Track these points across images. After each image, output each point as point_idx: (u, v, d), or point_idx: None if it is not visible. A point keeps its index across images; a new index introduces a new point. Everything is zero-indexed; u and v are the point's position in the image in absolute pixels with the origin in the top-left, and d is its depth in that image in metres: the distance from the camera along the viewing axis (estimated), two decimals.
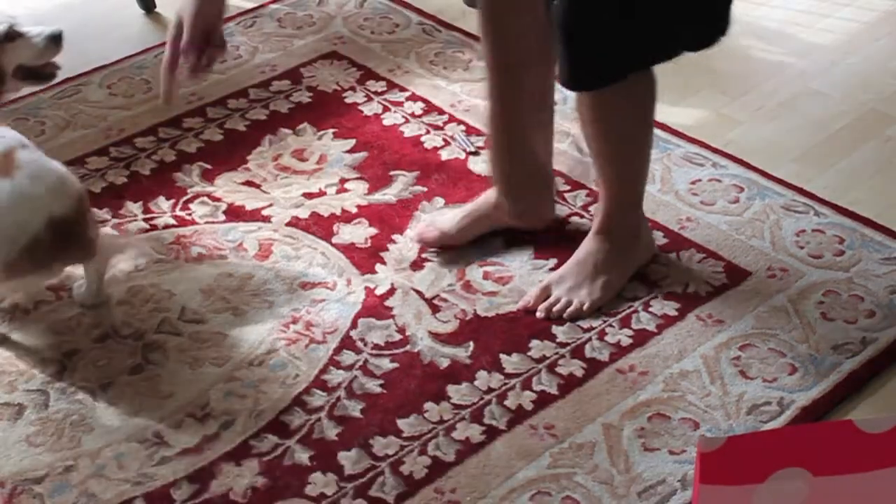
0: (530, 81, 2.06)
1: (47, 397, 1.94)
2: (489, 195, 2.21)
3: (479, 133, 2.48)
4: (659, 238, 2.19)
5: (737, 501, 1.05)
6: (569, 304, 2.04)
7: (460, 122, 2.53)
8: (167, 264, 2.20)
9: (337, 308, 2.09)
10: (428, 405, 1.90)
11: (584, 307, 2.04)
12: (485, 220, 2.20)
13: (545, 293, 2.06)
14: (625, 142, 2.01)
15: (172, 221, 2.31)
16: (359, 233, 2.25)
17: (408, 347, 2.00)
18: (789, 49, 2.80)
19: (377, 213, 2.30)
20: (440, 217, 2.23)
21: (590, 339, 2.00)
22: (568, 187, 2.33)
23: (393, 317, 2.07)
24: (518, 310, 2.06)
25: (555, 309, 2.04)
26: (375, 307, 2.09)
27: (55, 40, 2.11)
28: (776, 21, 2.90)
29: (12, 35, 2.06)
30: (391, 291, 2.12)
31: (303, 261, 2.20)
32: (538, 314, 2.05)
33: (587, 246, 2.08)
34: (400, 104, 2.61)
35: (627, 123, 1.98)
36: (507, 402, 1.90)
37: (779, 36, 2.85)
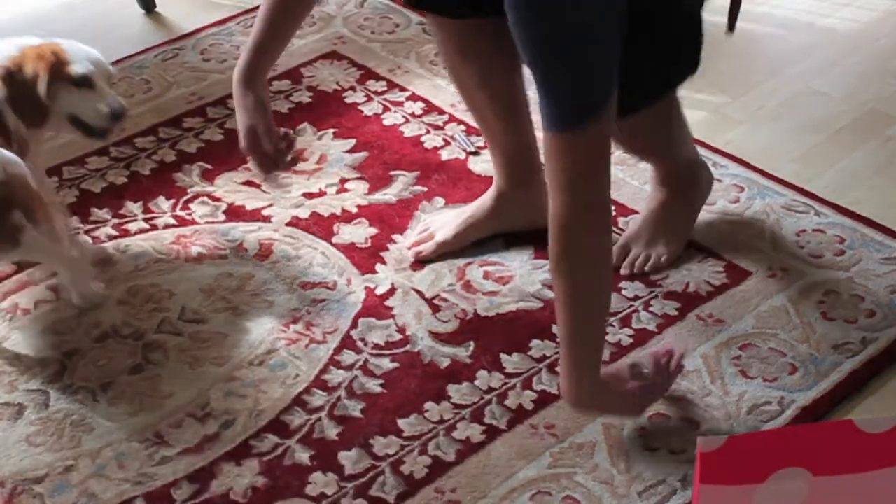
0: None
1: (47, 397, 1.94)
2: (487, 198, 2.20)
3: (479, 133, 2.48)
4: None
5: (737, 501, 1.05)
6: (648, 258, 2.12)
7: (460, 122, 2.53)
8: (167, 264, 2.20)
9: (337, 308, 2.09)
10: (428, 405, 1.90)
11: (662, 259, 2.12)
12: (483, 224, 2.20)
13: (624, 251, 2.13)
14: (665, 141, 2.10)
15: (172, 221, 2.31)
16: (359, 233, 2.25)
17: (408, 347, 2.00)
18: (789, 49, 2.80)
19: (377, 212, 2.30)
20: (436, 223, 2.22)
21: None
22: None
23: (393, 317, 2.07)
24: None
25: (636, 264, 2.11)
26: (375, 307, 2.09)
27: (116, 116, 2.05)
28: (776, 21, 2.90)
29: (82, 82, 2.01)
30: (391, 291, 2.12)
31: (303, 261, 2.20)
32: (622, 271, 2.11)
33: (653, 201, 2.16)
34: (400, 104, 2.61)
35: (662, 131, 2.07)
36: (507, 402, 1.90)
37: (779, 36, 2.85)
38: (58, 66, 1.99)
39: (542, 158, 1.67)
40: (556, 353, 1.97)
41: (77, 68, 2.00)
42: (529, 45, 1.57)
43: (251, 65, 1.96)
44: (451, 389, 1.92)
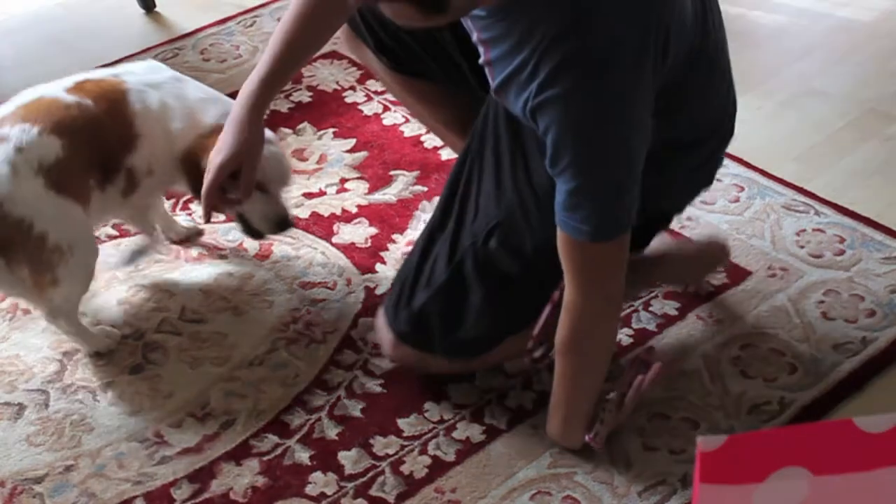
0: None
1: (47, 397, 1.94)
2: None
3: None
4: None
5: (737, 501, 1.05)
6: None
7: None
8: (167, 264, 2.20)
9: (337, 308, 2.09)
10: (428, 405, 1.90)
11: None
12: None
13: None
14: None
15: None
16: (359, 232, 2.25)
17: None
18: (789, 49, 2.80)
19: (377, 212, 2.30)
20: None
21: None
22: None
23: None
24: None
25: None
26: (376, 307, 2.08)
27: (281, 226, 2.01)
28: (776, 21, 2.90)
29: (259, 186, 1.95)
30: (392, 291, 2.11)
31: (303, 261, 2.19)
32: None
33: None
34: (400, 104, 2.60)
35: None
36: (507, 402, 1.90)
37: (779, 36, 2.85)
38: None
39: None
40: None
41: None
42: (574, 159, 1.52)
43: (261, 97, 1.86)
44: (451, 389, 1.92)
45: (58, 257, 1.87)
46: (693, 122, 1.74)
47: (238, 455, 1.83)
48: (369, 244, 2.23)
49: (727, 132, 1.85)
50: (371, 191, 2.36)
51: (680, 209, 1.93)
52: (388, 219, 2.28)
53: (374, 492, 1.76)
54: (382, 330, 1.88)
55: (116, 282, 2.16)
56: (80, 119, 1.90)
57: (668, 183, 1.78)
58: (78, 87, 1.94)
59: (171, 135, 1.96)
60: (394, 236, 2.24)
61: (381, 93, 2.63)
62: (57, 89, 1.94)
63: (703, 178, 1.89)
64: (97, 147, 1.91)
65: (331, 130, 2.54)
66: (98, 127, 1.91)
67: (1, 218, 1.83)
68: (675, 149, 1.72)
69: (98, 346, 2.01)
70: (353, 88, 2.66)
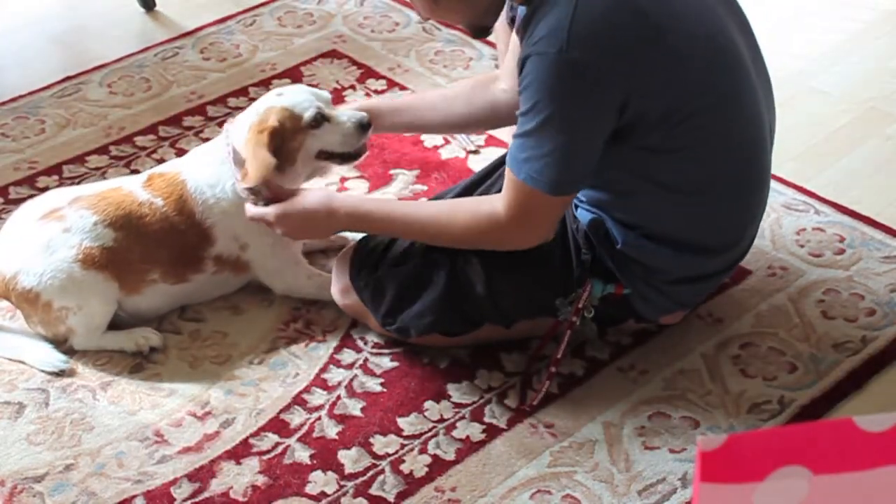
0: None
1: (47, 396, 1.94)
2: None
3: (478, 132, 2.48)
4: None
5: (737, 500, 1.05)
6: None
7: None
8: None
9: (337, 306, 2.08)
10: (428, 404, 1.90)
11: None
12: None
13: None
14: None
15: None
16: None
17: (408, 346, 2.00)
18: (789, 48, 2.79)
19: None
20: None
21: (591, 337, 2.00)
22: None
23: None
24: None
25: None
26: None
27: (363, 127, 1.98)
28: (776, 20, 2.90)
29: (319, 120, 1.96)
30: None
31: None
32: None
33: None
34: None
35: None
36: (507, 401, 1.90)
37: (779, 35, 2.85)
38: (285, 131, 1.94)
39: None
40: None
41: (307, 115, 1.95)
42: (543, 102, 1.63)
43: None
44: (451, 388, 1.92)
45: (65, 313, 1.96)
46: (707, 224, 1.83)
47: (238, 454, 1.83)
48: None
49: (732, 253, 1.91)
50: (371, 190, 2.36)
51: (653, 316, 1.93)
52: None
53: (374, 491, 1.76)
54: (341, 275, 1.97)
55: None
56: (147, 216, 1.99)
57: (654, 272, 1.84)
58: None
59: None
60: None
61: (381, 92, 2.63)
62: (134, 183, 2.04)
63: (686, 293, 1.91)
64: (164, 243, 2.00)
65: None
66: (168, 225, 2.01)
67: (13, 287, 1.96)
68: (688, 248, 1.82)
69: (152, 343, 2.01)
70: (353, 87, 2.66)
